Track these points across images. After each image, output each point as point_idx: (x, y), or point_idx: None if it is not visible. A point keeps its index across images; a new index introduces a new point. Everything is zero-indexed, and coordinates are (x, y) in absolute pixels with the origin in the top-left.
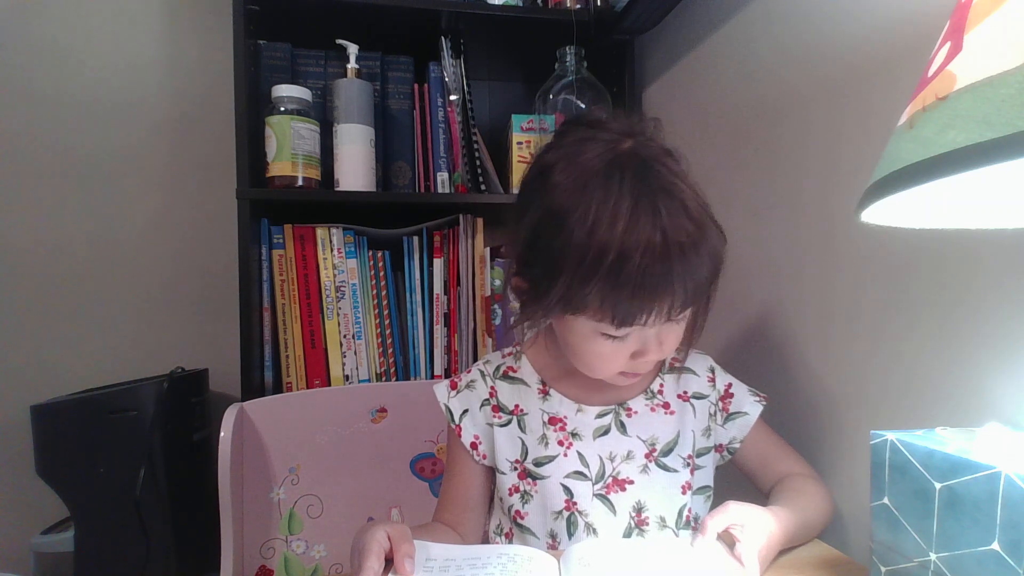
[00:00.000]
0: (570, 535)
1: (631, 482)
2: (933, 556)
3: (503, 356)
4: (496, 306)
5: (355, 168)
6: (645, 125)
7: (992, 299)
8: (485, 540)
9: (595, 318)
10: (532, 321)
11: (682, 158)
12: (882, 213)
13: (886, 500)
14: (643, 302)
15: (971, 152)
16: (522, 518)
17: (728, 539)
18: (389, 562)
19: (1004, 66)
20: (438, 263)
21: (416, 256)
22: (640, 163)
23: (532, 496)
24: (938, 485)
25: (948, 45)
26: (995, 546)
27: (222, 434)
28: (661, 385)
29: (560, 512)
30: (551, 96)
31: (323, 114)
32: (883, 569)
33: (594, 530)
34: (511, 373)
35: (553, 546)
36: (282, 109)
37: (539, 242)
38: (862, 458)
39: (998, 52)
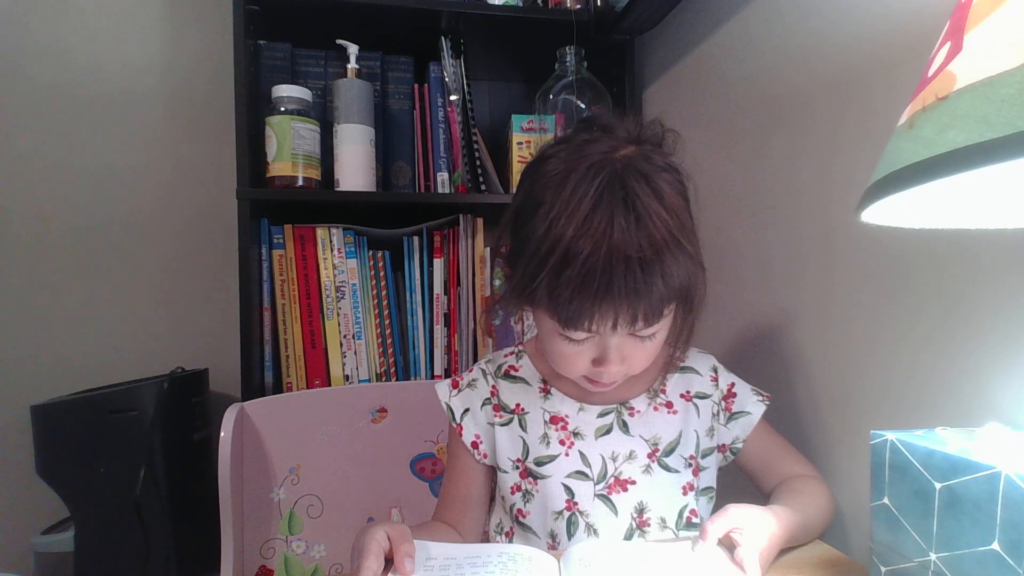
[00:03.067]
0: (570, 536)
1: (633, 482)
2: (933, 556)
3: (505, 355)
4: (497, 305)
5: (355, 168)
6: (656, 135)
7: (992, 299)
8: (485, 539)
9: (548, 315)
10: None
11: (688, 179)
12: (882, 213)
13: (886, 500)
14: (583, 306)
15: (971, 152)
16: (524, 517)
17: (729, 542)
18: (389, 562)
19: (1004, 66)
20: (438, 263)
21: (416, 256)
22: (622, 172)
23: (534, 495)
24: (938, 485)
25: (948, 45)
26: (995, 546)
27: (222, 434)
28: (664, 384)
29: (561, 512)
30: (551, 96)
31: (323, 114)
32: (883, 569)
33: (595, 531)
34: (512, 372)
35: (553, 546)
36: (282, 109)
37: (515, 226)
38: (862, 458)
39: (998, 52)
